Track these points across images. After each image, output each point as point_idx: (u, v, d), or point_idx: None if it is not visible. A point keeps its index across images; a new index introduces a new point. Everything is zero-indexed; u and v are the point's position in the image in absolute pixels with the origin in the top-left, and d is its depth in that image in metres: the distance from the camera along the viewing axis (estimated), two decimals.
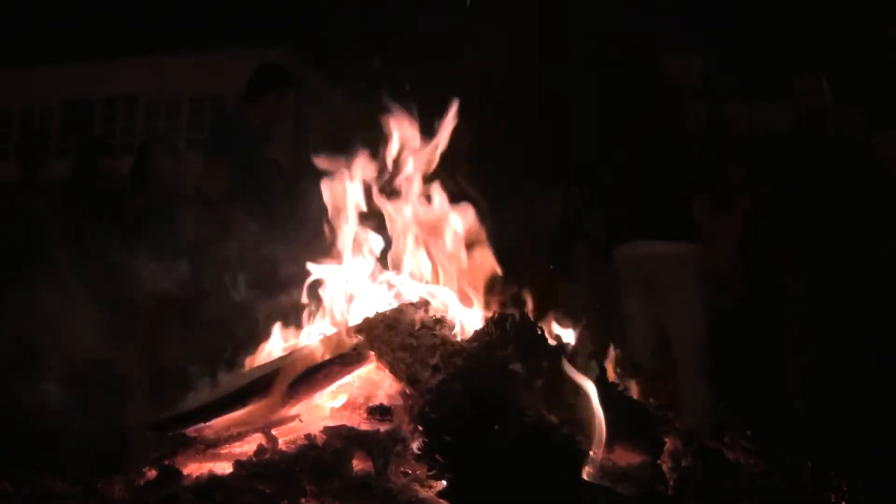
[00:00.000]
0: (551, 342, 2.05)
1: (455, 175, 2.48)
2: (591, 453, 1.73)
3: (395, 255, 2.38)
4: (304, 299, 2.37)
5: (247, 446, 1.94)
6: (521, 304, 2.31)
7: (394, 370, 2.03)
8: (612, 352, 2.30)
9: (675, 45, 4.32)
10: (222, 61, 12.77)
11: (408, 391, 1.95)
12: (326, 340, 2.16)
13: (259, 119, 3.99)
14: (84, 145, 4.97)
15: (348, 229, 2.39)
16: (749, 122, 4.46)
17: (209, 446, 1.94)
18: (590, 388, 1.84)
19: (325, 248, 2.44)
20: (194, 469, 1.89)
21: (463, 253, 2.34)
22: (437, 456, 1.69)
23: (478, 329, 2.07)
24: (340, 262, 2.40)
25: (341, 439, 1.83)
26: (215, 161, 3.93)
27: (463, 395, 1.76)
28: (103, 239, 4.02)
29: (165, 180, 4.30)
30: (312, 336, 2.30)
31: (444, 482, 1.67)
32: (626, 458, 1.86)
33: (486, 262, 2.33)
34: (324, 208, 2.40)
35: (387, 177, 2.38)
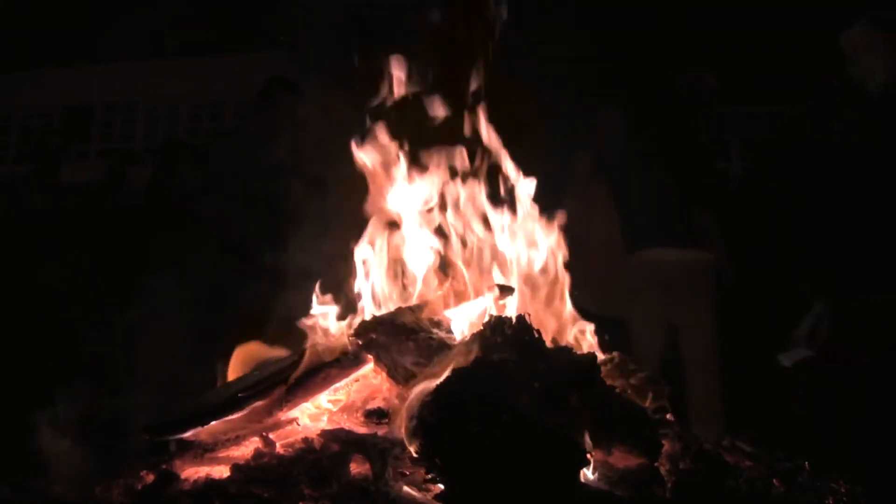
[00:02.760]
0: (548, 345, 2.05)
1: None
2: (588, 456, 1.73)
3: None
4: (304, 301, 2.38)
5: (244, 450, 1.94)
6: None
7: (391, 373, 2.03)
8: (612, 354, 2.30)
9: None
10: (222, 66, 12.78)
11: (405, 394, 1.95)
12: (324, 343, 2.16)
13: (265, 124, 4.06)
14: (112, 156, 5.03)
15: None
16: None
17: (207, 450, 1.94)
18: None
19: (325, 251, 2.45)
20: (192, 473, 1.89)
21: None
22: (434, 459, 1.69)
23: (475, 332, 2.06)
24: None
25: (339, 443, 1.83)
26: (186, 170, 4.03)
27: (460, 397, 1.76)
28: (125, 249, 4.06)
29: (185, 189, 4.32)
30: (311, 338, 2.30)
31: (442, 485, 1.66)
32: (624, 460, 1.85)
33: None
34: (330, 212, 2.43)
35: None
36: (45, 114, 14.32)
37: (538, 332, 2.01)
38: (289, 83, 4.17)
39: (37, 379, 3.49)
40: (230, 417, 2.01)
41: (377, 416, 1.98)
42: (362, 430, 1.93)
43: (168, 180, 4.41)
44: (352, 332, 2.14)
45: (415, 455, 1.74)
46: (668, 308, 3.88)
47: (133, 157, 5.15)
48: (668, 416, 2.15)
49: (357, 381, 2.11)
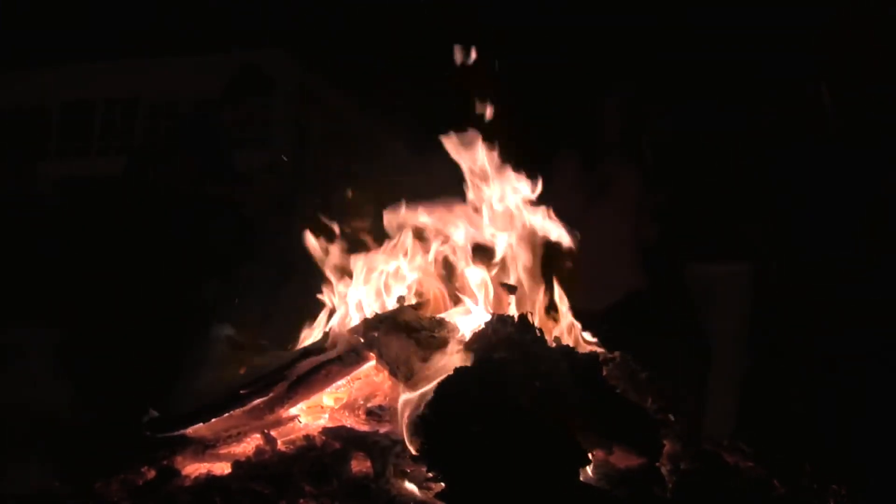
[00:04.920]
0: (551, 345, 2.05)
1: None
2: (589, 455, 1.73)
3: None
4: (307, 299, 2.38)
5: (245, 447, 1.94)
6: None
7: (393, 371, 2.03)
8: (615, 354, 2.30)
9: None
10: (222, 63, 12.74)
11: (407, 392, 1.94)
12: (326, 341, 2.16)
13: (235, 121, 4.06)
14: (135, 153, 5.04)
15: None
16: None
17: (208, 447, 1.94)
18: None
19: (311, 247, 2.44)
20: (193, 469, 1.89)
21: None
22: (435, 457, 1.69)
23: (477, 331, 2.06)
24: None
25: (340, 440, 1.83)
26: (186, 156, 4.02)
27: (461, 396, 1.76)
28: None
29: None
30: (313, 336, 2.30)
31: (443, 483, 1.66)
32: (625, 460, 1.85)
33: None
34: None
35: None
36: (45, 110, 14.29)
37: (540, 331, 2.01)
38: (259, 85, 4.17)
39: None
40: (231, 414, 2.00)
41: (378, 414, 1.98)
42: (363, 427, 1.93)
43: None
44: (354, 329, 2.13)
45: (416, 453, 1.74)
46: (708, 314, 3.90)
47: (154, 154, 5.16)
48: (670, 416, 2.14)
49: (358, 378, 2.10)
